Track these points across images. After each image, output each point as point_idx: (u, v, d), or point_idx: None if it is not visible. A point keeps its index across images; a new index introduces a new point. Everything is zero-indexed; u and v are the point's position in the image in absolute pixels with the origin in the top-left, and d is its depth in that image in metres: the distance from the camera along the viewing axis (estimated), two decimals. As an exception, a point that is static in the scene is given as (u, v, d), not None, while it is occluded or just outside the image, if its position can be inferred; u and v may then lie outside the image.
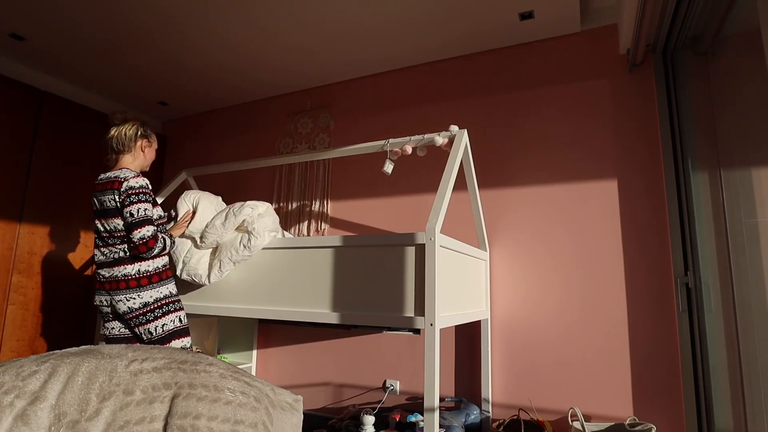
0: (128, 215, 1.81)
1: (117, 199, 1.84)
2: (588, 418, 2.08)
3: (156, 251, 1.85)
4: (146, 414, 0.95)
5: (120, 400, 0.95)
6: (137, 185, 1.84)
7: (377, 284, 1.69)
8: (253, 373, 2.94)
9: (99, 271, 1.88)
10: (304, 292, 1.85)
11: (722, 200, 1.74)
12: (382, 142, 2.20)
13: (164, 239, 1.89)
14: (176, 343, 1.86)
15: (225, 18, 2.33)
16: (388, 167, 2.11)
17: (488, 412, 2.22)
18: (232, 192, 3.37)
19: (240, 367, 2.40)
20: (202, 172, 2.81)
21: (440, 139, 2.03)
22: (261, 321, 2.99)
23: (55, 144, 2.98)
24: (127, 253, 1.85)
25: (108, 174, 1.90)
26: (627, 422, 1.92)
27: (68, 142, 3.05)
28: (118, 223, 1.85)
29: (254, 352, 2.92)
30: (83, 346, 1.15)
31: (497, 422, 2.06)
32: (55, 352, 1.07)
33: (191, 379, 1.02)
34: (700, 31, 1.91)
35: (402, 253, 1.65)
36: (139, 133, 1.97)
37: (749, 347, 1.54)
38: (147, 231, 1.81)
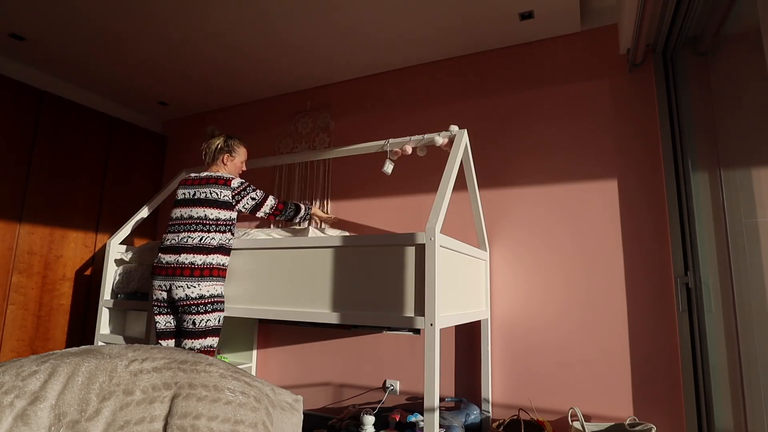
0: (250, 200, 2.11)
1: (225, 193, 2.06)
2: (588, 418, 2.08)
3: (289, 211, 2.22)
4: (146, 414, 0.94)
5: (120, 400, 0.95)
6: (242, 181, 2.13)
7: (377, 284, 1.69)
8: (253, 373, 2.93)
9: (163, 255, 2.00)
10: (304, 292, 1.85)
11: (722, 200, 1.73)
12: (382, 142, 2.20)
13: (292, 205, 2.24)
14: (209, 341, 1.97)
15: (226, 16, 2.33)
16: (388, 167, 2.11)
17: (488, 412, 2.22)
18: (232, 192, 3.37)
19: (240, 367, 2.39)
20: (202, 172, 2.81)
21: (440, 139, 2.03)
22: (261, 321, 2.99)
23: (55, 144, 2.98)
24: (202, 242, 1.99)
25: (207, 173, 2.13)
26: (627, 422, 1.92)
27: (68, 142, 3.05)
28: (210, 212, 2.03)
29: (254, 352, 2.92)
30: (83, 346, 1.15)
31: (497, 422, 2.06)
32: (55, 352, 1.07)
33: (191, 379, 1.02)
34: (700, 31, 1.91)
35: (402, 253, 1.65)
36: (220, 147, 2.18)
37: (749, 347, 1.54)
38: (271, 200, 2.16)
